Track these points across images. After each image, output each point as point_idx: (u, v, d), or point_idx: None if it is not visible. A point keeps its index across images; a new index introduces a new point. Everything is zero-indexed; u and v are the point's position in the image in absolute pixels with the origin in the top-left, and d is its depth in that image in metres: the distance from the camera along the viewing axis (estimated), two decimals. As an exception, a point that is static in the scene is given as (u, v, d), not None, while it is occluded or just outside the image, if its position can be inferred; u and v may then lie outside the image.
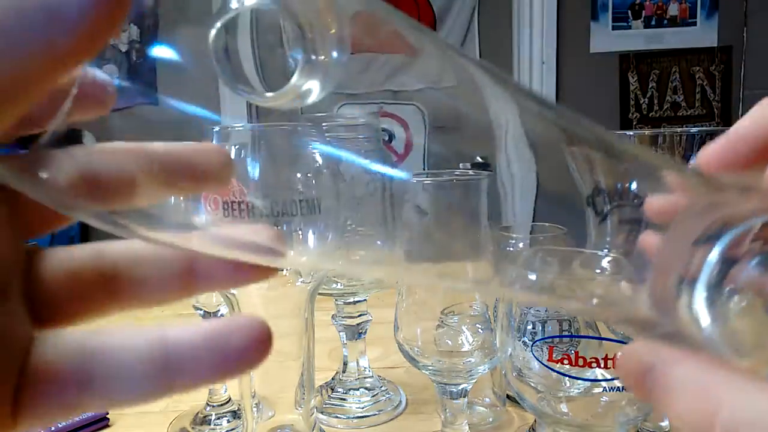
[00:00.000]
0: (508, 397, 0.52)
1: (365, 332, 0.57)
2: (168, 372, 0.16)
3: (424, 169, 0.37)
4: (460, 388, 0.42)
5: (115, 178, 0.16)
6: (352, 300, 0.55)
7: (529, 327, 0.39)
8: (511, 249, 0.37)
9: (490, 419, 0.52)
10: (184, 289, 0.19)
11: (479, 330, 0.43)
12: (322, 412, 0.54)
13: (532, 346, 0.39)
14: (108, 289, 0.18)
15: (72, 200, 0.15)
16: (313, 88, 0.18)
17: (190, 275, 0.18)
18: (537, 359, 0.38)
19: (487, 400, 0.53)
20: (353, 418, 0.54)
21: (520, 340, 0.39)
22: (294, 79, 0.18)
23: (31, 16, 0.12)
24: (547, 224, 0.37)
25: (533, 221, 0.38)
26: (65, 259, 0.18)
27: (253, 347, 0.17)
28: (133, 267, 0.18)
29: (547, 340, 0.38)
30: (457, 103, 0.19)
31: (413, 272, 0.20)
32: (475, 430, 0.50)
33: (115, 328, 0.17)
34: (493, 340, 0.42)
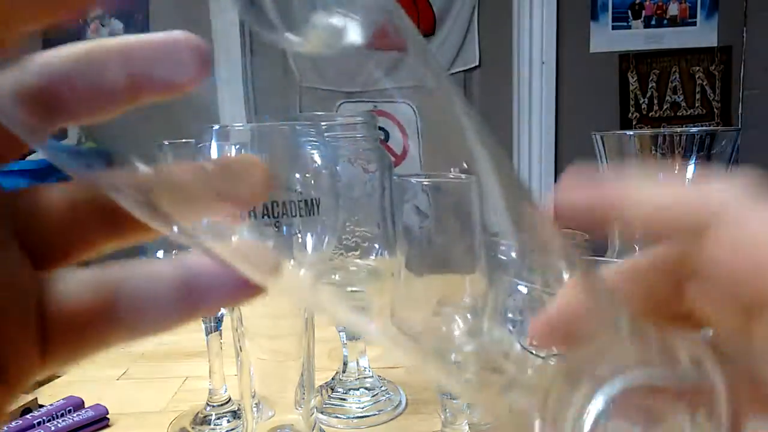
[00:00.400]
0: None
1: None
2: (191, 297, 0.16)
3: (420, 170, 0.37)
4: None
5: (58, 84, 0.15)
6: (349, 290, 0.55)
7: (509, 315, 0.40)
8: (504, 257, 0.37)
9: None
10: None
11: (470, 319, 0.44)
12: (322, 412, 0.54)
13: (518, 334, 0.39)
14: (105, 220, 0.17)
15: (22, 117, 0.14)
16: (349, 26, 0.16)
17: None
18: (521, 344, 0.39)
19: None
20: (353, 418, 0.54)
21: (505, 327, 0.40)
22: (320, 15, 0.15)
23: None
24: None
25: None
26: (56, 194, 0.17)
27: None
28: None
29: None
30: (437, 109, 0.18)
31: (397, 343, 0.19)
32: (474, 429, 0.50)
33: (132, 260, 0.17)
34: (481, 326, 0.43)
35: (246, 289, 0.17)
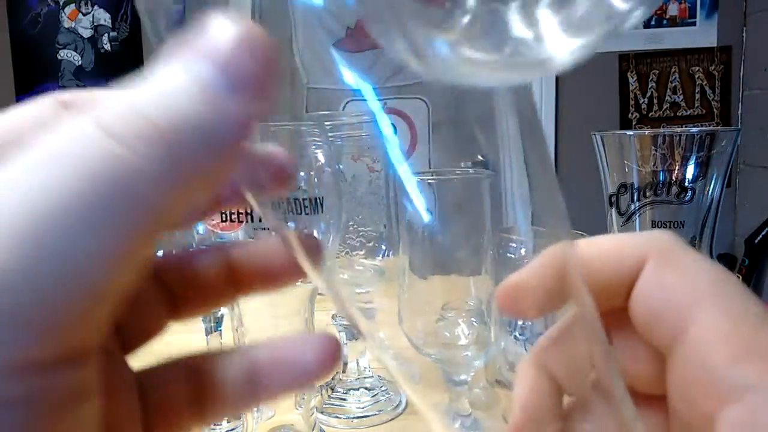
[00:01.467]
0: (496, 381, 0.53)
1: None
2: (259, 385, 0.18)
3: (429, 167, 0.37)
4: (461, 378, 0.43)
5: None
6: (357, 292, 0.55)
7: (519, 322, 0.40)
8: (513, 255, 0.36)
9: (483, 398, 0.52)
10: (287, 280, 0.19)
11: (474, 323, 0.44)
12: (322, 412, 0.54)
13: (525, 342, 0.39)
14: (229, 281, 0.19)
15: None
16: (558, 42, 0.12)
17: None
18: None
19: (481, 384, 0.54)
20: (353, 418, 0.53)
21: (511, 335, 0.40)
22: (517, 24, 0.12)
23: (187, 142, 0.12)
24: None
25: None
26: (191, 261, 0.19)
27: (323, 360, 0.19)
28: (248, 254, 0.19)
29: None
30: (459, 98, 0.18)
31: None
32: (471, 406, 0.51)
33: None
34: (488, 333, 0.43)
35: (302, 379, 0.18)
